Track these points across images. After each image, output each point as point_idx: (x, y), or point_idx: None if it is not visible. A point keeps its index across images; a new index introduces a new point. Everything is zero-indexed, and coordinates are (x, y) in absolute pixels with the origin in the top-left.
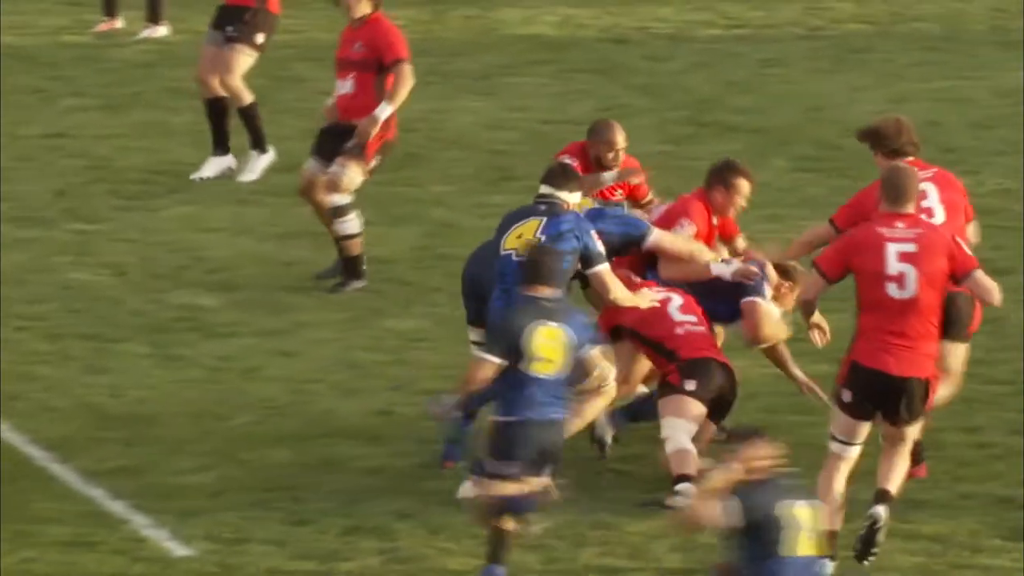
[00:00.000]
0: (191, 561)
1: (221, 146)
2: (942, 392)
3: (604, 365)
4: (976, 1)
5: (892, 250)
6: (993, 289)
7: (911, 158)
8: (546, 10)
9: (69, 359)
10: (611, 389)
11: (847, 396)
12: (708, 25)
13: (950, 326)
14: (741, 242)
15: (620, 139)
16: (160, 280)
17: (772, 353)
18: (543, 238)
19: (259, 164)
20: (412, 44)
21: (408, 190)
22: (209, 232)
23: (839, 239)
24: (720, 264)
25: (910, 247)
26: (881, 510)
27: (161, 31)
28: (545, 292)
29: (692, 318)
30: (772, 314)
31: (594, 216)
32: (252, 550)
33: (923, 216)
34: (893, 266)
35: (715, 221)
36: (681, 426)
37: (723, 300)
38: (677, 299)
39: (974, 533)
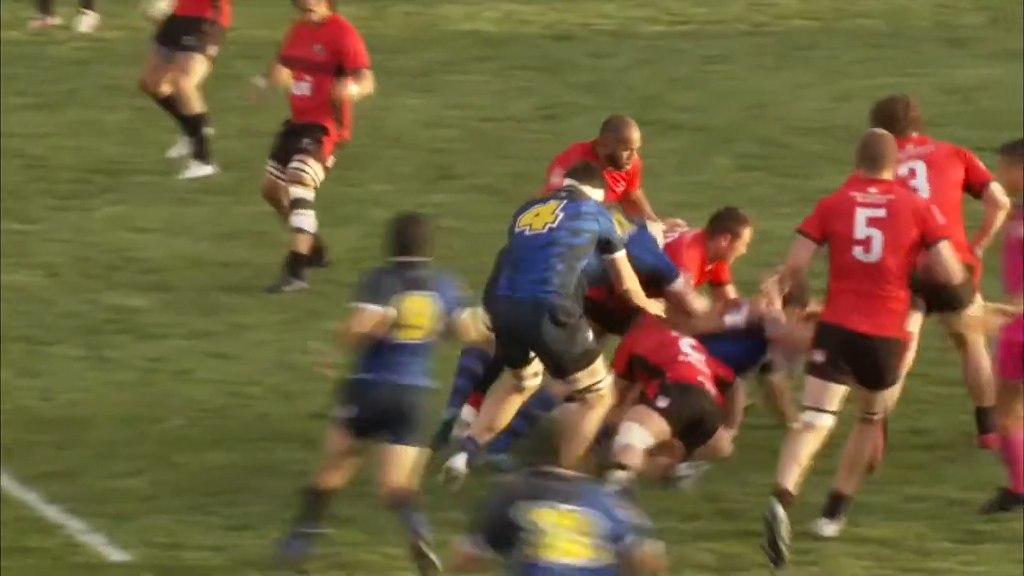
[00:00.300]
0: (126, 566)
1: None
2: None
3: (479, 328)
4: None
5: (862, 215)
6: (955, 266)
7: (916, 135)
8: (488, 6)
9: (1, 362)
10: (606, 398)
11: (819, 356)
12: (651, 21)
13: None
14: (731, 289)
15: (636, 136)
16: (93, 281)
17: (771, 387)
18: (561, 215)
19: (200, 172)
20: None
21: (348, 189)
22: (144, 232)
23: (818, 204)
24: (731, 315)
25: (880, 212)
26: (828, 529)
27: (90, 20)
28: (418, 260)
29: (700, 356)
30: (802, 338)
31: (632, 239)
32: (188, 555)
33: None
34: (861, 230)
35: (709, 266)
36: (636, 430)
37: (742, 343)
38: (689, 339)
39: (922, 537)
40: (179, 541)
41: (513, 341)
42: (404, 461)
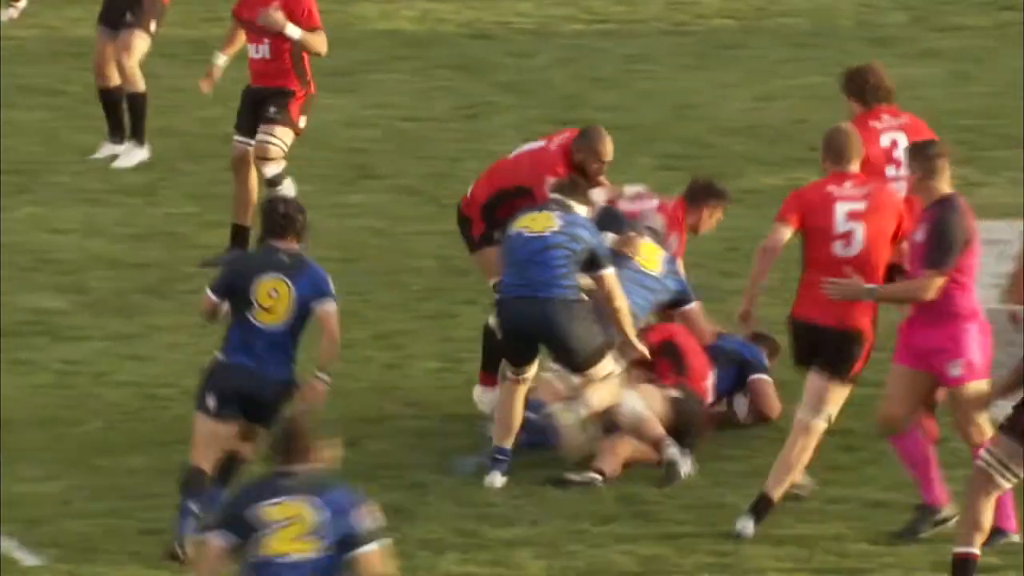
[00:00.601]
0: (41, 571)
1: (117, 134)
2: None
3: (334, 327)
4: None
5: (840, 209)
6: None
7: (886, 104)
8: (405, 5)
9: None
10: (615, 383)
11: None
12: (571, 20)
13: None
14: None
15: (610, 151)
16: (8, 282)
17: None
18: (560, 221)
19: (135, 156)
20: None
21: (262, 190)
22: (59, 233)
23: (792, 194)
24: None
25: (859, 205)
26: (748, 527)
27: (12, 12)
28: (284, 245)
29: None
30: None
31: (668, 267)
32: (104, 560)
33: (893, 167)
34: (841, 225)
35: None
36: (636, 400)
37: (723, 373)
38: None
39: (841, 538)
40: (95, 546)
41: (526, 339)
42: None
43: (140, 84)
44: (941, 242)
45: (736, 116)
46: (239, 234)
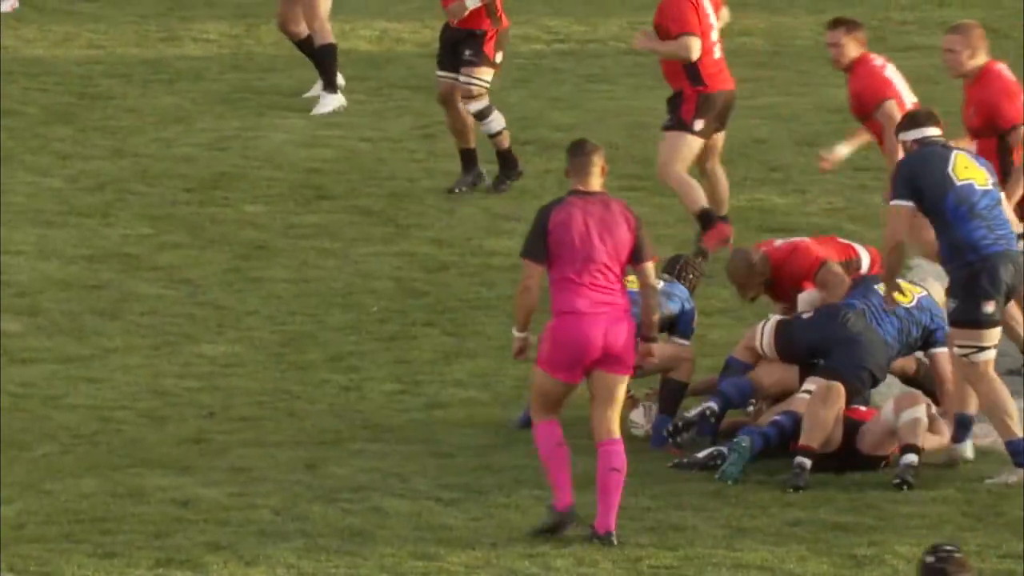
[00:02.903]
0: None
1: (326, 84)
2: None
3: None
4: (802, 16)
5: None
6: None
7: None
8: (362, 24)
9: None
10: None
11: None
12: (529, 40)
13: None
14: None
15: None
16: None
17: None
18: (984, 170)
19: (331, 102)
20: (223, 60)
21: (219, 210)
22: (12, 254)
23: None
24: None
25: None
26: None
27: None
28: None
29: None
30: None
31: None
32: None
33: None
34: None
35: None
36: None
37: None
38: None
39: (803, 559)
40: (49, 570)
41: (1006, 298)
42: None
43: (329, 36)
44: None
45: None
46: (467, 156)
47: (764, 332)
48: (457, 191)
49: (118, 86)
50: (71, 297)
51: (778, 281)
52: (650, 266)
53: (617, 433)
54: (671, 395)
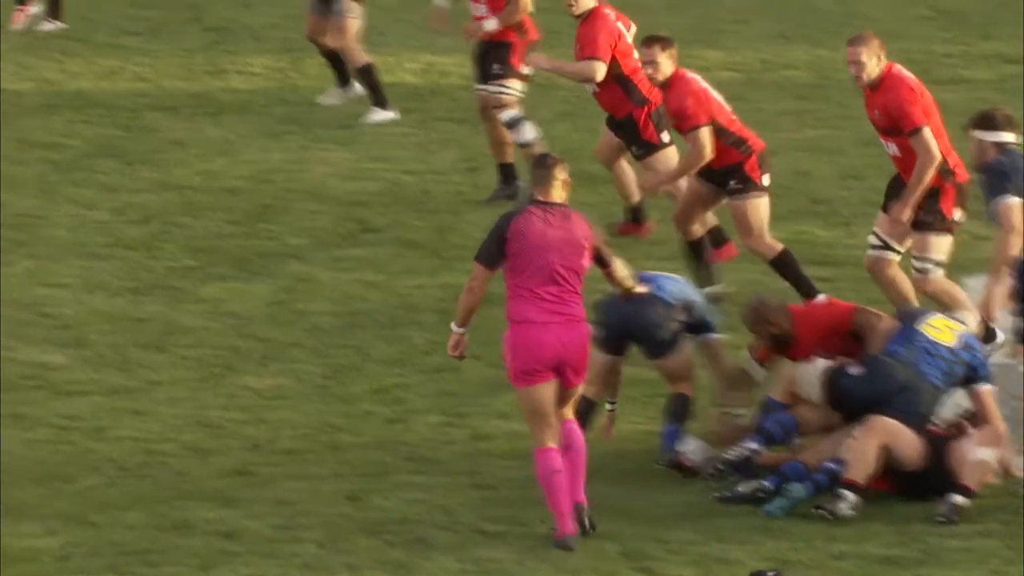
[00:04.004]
0: None
1: (375, 103)
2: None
3: None
4: (844, 49)
5: None
6: None
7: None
8: (408, 57)
9: None
10: None
11: None
12: None
13: None
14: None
15: None
16: (6, 337)
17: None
18: None
19: (384, 115)
20: (268, 93)
21: (264, 243)
22: (57, 287)
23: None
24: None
25: None
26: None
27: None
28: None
29: None
30: None
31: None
32: None
33: None
34: None
35: None
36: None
37: None
38: None
39: None
40: None
41: None
42: None
43: (363, 57)
44: None
45: None
46: (505, 170)
47: (809, 380)
48: (491, 202)
49: (164, 119)
50: (116, 329)
51: (805, 334)
52: (619, 264)
53: (571, 415)
54: (682, 408)
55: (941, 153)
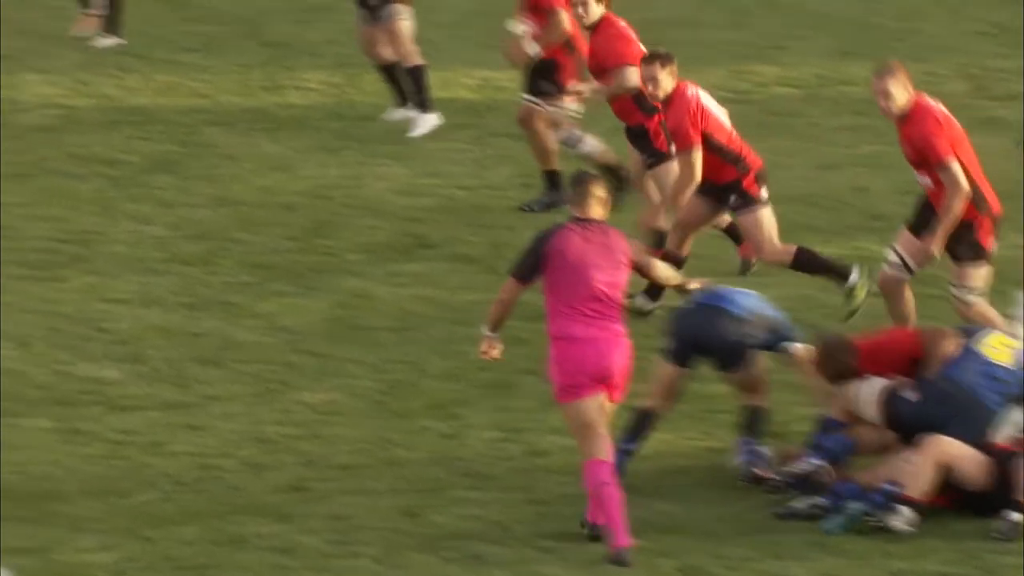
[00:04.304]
0: None
1: (418, 104)
2: None
3: None
4: (905, 64)
5: None
6: None
7: None
8: (463, 72)
9: None
10: None
11: None
12: None
13: None
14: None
15: None
16: (64, 352)
17: None
18: None
19: (428, 122)
20: (325, 108)
21: (320, 259)
22: (114, 302)
23: None
24: None
25: None
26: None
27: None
28: None
29: None
30: None
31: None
32: None
33: None
34: None
35: None
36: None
37: None
38: None
39: None
40: None
41: None
42: None
43: (417, 57)
44: None
45: (796, 184)
46: (550, 177)
47: (868, 400)
48: (527, 209)
49: (221, 135)
50: (173, 345)
51: (871, 368)
52: (660, 266)
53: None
54: (756, 420)
55: (973, 183)
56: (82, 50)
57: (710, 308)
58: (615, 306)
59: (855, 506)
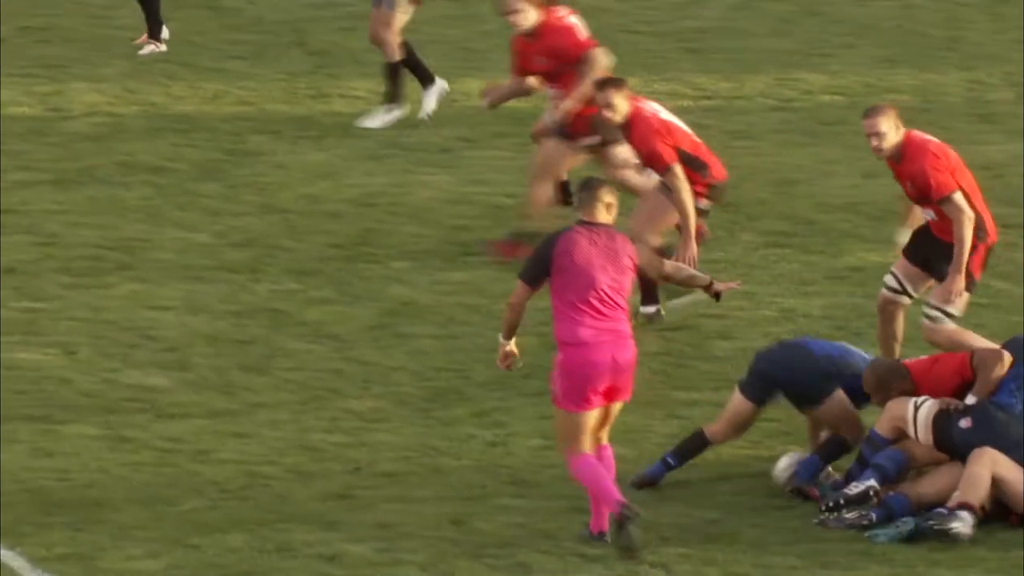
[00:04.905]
0: None
1: (387, 98)
2: None
3: None
4: (951, 73)
5: None
6: None
7: None
8: (507, 79)
9: (15, 442)
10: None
11: None
12: (676, 96)
13: None
14: None
15: None
16: (110, 359)
17: None
18: None
19: (386, 117)
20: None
21: (366, 267)
22: (161, 310)
23: None
24: None
25: None
26: None
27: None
28: None
29: None
30: None
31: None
32: None
33: None
34: None
35: None
36: None
37: None
38: None
39: None
40: None
41: None
42: None
43: (396, 54)
44: None
45: (840, 193)
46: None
47: (919, 423)
48: None
49: (267, 142)
50: (219, 352)
51: (925, 391)
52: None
53: (606, 439)
54: (835, 448)
55: (975, 210)
56: (129, 58)
57: (792, 347)
58: (621, 308)
59: (909, 522)
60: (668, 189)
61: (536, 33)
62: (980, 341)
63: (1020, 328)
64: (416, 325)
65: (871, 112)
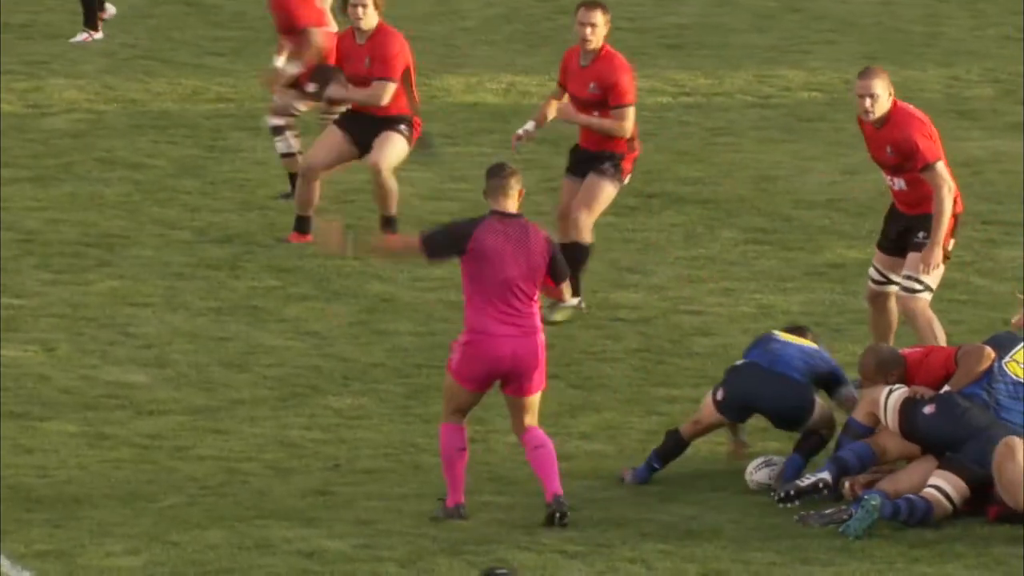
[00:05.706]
0: None
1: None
2: None
3: None
4: (931, 69)
5: None
6: None
7: None
8: (489, 77)
9: None
10: None
11: None
12: (656, 93)
13: None
14: None
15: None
16: (89, 356)
17: None
18: None
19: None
20: None
21: (345, 263)
22: (140, 306)
23: None
24: None
25: None
26: None
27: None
28: None
29: None
30: None
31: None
32: None
33: None
34: None
35: None
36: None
37: None
38: None
39: None
40: None
41: None
42: None
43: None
44: None
45: (819, 189)
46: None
47: (888, 408)
48: None
49: (247, 139)
50: (198, 349)
51: (919, 380)
52: (565, 286)
53: (535, 423)
54: (814, 444)
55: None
56: (108, 55)
57: (770, 375)
58: (531, 301)
59: (873, 496)
60: (608, 175)
61: None
62: (942, 339)
63: (1000, 325)
64: (396, 322)
65: (866, 74)
